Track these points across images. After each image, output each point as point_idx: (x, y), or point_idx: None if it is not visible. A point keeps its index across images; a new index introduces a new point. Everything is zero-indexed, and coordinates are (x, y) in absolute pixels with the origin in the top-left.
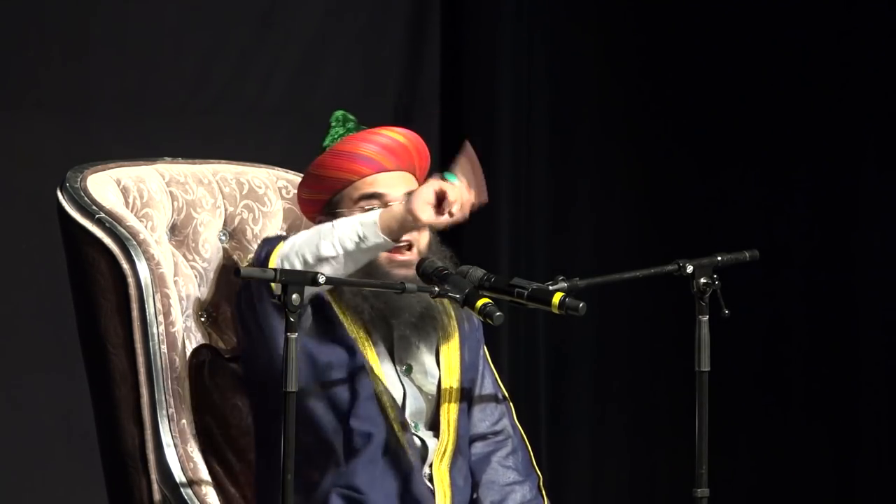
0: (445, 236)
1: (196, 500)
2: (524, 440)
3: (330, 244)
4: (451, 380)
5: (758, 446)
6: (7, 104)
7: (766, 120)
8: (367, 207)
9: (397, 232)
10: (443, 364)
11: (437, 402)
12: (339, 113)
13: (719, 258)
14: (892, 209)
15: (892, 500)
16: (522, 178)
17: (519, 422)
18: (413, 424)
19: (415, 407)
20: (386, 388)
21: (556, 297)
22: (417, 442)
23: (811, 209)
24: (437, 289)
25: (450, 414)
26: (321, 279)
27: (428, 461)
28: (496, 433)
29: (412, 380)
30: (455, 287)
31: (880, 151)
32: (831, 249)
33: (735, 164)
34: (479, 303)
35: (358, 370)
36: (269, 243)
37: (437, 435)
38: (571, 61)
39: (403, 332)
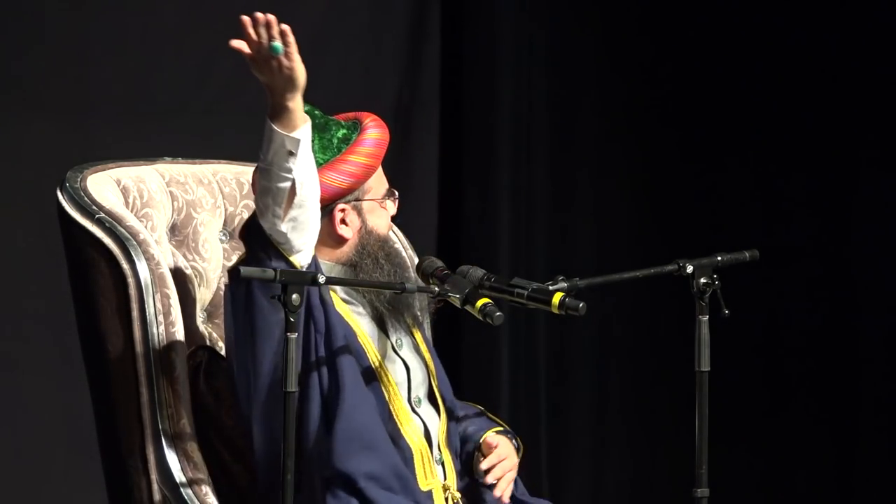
0: (446, 234)
1: (196, 500)
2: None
3: (277, 174)
4: (429, 357)
5: (758, 446)
6: (7, 104)
7: (765, 120)
8: (392, 201)
9: (282, 115)
10: (419, 343)
11: (429, 376)
12: (315, 111)
13: (719, 258)
14: (891, 209)
15: (893, 501)
16: (522, 178)
17: (519, 422)
18: (416, 399)
19: (419, 378)
20: (384, 365)
21: (556, 297)
22: (420, 425)
23: (811, 209)
24: (436, 289)
25: (440, 389)
26: (321, 279)
27: (435, 443)
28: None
29: (405, 355)
30: (455, 287)
31: (879, 151)
32: (831, 249)
33: (735, 164)
34: (479, 303)
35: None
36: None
37: (437, 411)
38: (571, 61)
39: (394, 314)
